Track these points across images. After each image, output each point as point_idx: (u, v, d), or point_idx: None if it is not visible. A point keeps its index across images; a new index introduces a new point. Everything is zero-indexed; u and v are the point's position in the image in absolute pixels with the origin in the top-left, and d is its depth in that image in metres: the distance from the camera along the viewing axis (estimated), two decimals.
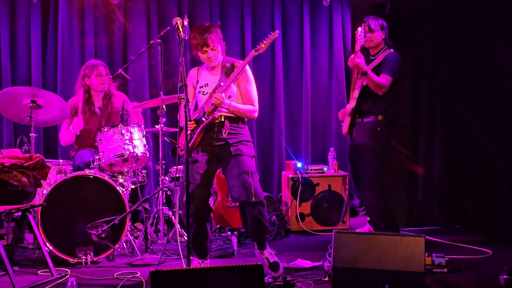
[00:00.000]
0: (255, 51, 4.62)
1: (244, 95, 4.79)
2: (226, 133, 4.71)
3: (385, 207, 5.60)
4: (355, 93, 5.56)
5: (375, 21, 5.60)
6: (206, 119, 4.66)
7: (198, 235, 4.72)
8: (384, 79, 5.40)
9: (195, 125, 4.70)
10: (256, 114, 4.84)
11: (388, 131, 5.58)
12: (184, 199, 4.45)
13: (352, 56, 5.41)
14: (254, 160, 4.82)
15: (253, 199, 4.58)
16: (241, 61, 4.75)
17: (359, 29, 5.49)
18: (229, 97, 4.69)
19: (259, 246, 4.78)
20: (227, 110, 4.65)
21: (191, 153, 4.69)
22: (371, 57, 5.63)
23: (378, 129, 5.50)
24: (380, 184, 5.55)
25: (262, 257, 4.74)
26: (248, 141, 4.82)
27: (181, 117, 4.53)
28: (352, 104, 5.60)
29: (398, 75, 5.48)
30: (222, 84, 4.64)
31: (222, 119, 4.71)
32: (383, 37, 5.60)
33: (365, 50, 5.69)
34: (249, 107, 4.78)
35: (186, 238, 4.99)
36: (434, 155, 6.56)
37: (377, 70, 5.45)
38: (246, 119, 4.84)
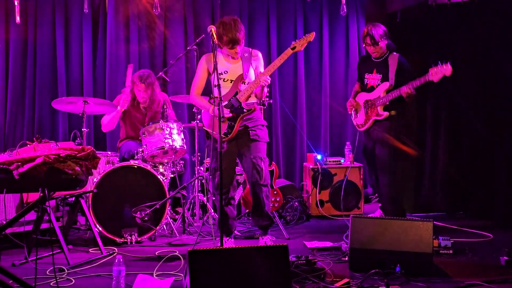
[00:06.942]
0: (291, 49, 4.57)
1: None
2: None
3: (396, 194, 5.52)
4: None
5: (376, 32, 5.36)
6: (248, 110, 4.64)
7: (224, 215, 4.71)
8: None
9: (231, 115, 4.62)
10: None
11: (399, 124, 5.50)
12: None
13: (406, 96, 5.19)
14: (266, 145, 4.80)
15: (262, 182, 4.69)
16: (256, 50, 4.77)
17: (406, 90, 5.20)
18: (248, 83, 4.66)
19: (261, 232, 4.87)
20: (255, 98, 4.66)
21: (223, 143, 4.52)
22: (373, 59, 5.51)
23: (392, 122, 5.42)
24: (394, 169, 5.46)
25: (261, 241, 4.80)
26: (263, 125, 4.80)
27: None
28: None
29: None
30: (262, 71, 4.61)
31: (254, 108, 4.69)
32: (386, 43, 5.46)
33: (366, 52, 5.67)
34: None
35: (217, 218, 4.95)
36: (439, 148, 6.48)
37: (399, 76, 5.30)
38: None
